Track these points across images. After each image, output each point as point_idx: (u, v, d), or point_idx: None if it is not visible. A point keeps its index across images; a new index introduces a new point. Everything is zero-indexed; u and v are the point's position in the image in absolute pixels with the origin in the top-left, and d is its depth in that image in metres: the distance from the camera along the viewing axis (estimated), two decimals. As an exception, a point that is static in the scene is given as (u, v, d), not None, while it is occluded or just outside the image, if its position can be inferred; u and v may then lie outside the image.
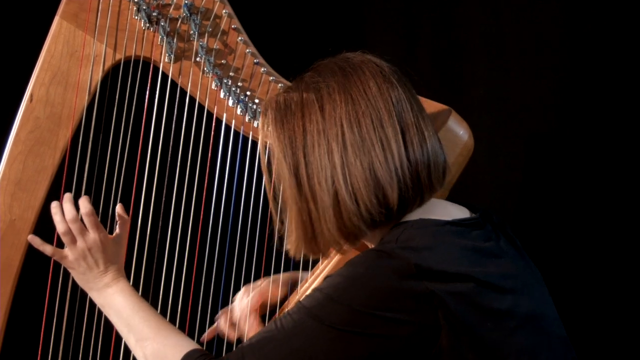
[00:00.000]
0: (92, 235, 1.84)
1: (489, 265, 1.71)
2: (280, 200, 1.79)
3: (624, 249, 2.59)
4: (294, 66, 1.86)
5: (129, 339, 1.80)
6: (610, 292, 2.60)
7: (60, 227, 1.83)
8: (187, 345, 1.74)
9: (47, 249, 1.85)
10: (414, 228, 1.70)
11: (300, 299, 1.67)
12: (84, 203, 1.83)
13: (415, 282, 1.61)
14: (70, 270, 1.86)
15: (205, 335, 2.07)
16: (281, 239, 1.80)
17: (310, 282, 2.03)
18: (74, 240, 1.83)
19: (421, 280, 1.61)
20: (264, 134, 1.78)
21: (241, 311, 2.08)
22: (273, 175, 1.79)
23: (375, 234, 1.76)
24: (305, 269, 2.06)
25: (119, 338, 1.92)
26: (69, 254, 1.84)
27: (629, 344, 2.59)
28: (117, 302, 1.83)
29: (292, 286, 2.07)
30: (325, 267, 2.02)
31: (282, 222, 1.80)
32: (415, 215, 1.74)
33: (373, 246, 1.78)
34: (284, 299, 2.06)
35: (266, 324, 1.88)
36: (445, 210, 1.79)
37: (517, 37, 2.65)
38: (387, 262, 1.63)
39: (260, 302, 2.07)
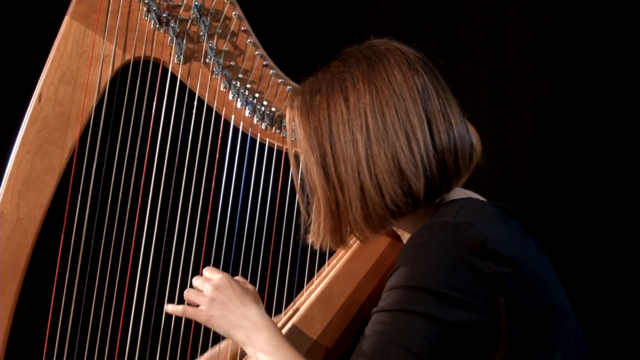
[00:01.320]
0: (217, 276, 1.83)
1: (534, 254, 1.71)
2: (306, 192, 1.80)
3: (626, 248, 2.59)
4: (302, 69, 1.87)
5: None
6: (611, 292, 2.60)
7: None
8: None
9: (178, 309, 1.83)
10: (468, 206, 1.70)
11: (375, 308, 1.65)
12: None
13: (481, 262, 1.60)
14: (211, 323, 1.82)
15: None
16: (300, 232, 1.81)
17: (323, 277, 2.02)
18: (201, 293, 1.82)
19: (486, 260, 1.60)
20: (290, 126, 1.79)
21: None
22: (301, 166, 1.79)
23: (407, 221, 1.75)
24: (312, 273, 2.05)
25: (124, 338, 1.92)
26: (201, 302, 1.82)
27: (630, 344, 2.59)
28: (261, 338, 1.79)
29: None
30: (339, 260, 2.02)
31: (308, 214, 1.81)
32: (458, 195, 1.74)
33: (405, 232, 1.77)
34: None
35: None
36: (477, 197, 1.79)
37: (518, 37, 2.65)
38: (453, 236, 1.62)
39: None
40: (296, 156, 1.81)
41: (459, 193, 1.78)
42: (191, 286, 1.86)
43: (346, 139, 1.70)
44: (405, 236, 1.84)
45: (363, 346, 1.62)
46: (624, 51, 2.58)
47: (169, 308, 1.84)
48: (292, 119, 1.78)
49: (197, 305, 1.82)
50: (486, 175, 2.64)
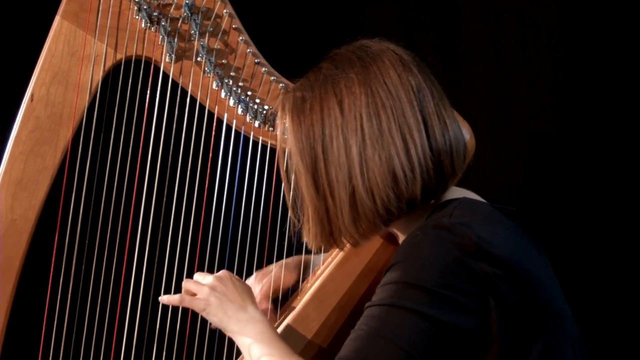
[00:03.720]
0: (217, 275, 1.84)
1: (530, 255, 1.70)
2: (290, 197, 1.80)
3: (626, 248, 2.59)
4: (295, 67, 1.86)
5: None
6: (611, 292, 2.60)
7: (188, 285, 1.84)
8: None
9: (175, 298, 1.83)
10: (463, 206, 1.70)
11: (368, 303, 1.65)
12: None
13: (474, 262, 1.60)
14: (207, 311, 1.81)
15: None
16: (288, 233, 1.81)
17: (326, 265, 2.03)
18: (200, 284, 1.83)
19: (479, 261, 1.60)
20: (281, 129, 1.78)
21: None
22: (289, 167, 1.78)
23: (402, 222, 1.75)
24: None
25: (119, 339, 1.92)
26: (199, 291, 1.82)
27: (629, 344, 2.59)
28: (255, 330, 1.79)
29: (303, 270, 2.06)
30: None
31: (298, 219, 1.80)
32: (453, 194, 1.74)
33: (400, 233, 1.78)
34: (295, 284, 2.05)
35: (278, 310, 1.87)
36: (473, 196, 1.79)
37: (517, 37, 2.65)
38: (448, 236, 1.61)
39: (272, 288, 2.04)
40: (285, 155, 1.81)
41: (455, 193, 1.77)
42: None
43: (339, 143, 1.68)
44: (400, 237, 1.84)
45: (352, 339, 1.63)
46: (623, 51, 2.58)
47: (165, 298, 1.84)
48: (283, 121, 1.77)
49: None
50: (485, 175, 2.65)
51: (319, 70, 1.76)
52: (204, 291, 1.81)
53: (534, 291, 1.65)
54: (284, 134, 1.78)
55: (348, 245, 1.98)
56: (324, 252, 1.98)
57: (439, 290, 1.58)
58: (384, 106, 1.68)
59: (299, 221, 1.81)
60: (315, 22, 2.73)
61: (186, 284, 1.84)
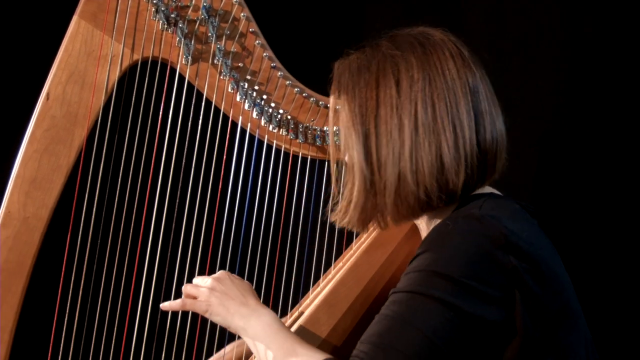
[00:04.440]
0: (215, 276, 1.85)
1: (551, 253, 1.72)
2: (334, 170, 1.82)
3: (628, 248, 2.59)
4: (308, 70, 1.87)
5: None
6: (613, 292, 2.60)
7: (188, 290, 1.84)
8: (321, 354, 1.71)
9: (176, 303, 1.84)
10: (492, 200, 1.71)
11: (394, 289, 1.65)
12: None
13: (502, 255, 1.60)
14: (210, 312, 1.81)
15: None
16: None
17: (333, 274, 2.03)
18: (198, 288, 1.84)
19: (508, 254, 1.61)
20: (334, 97, 1.78)
21: None
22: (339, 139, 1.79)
23: (429, 214, 1.76)
24: (318, 275, 2.06)
25: (129, 337, 1.92)
26: (199, 293, 1.82)
27: (630, 344, 2.59)
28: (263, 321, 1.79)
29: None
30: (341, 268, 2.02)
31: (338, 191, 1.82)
32: (480, 189, 1.75)
33: (425, 224, 1.79)
34: None
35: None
36: (498, 193, 1.80)
37: (519, 38, 2.65)
38: (478, 227, 1.62)
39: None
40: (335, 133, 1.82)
41: (483, 189, 1.78)
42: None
43: (393, 122, 1.68)
44: (423, 229, 1.84)
45: (376, 324, 1.63)
46: (625, 51, 2.58)
47: (166, 305, 1.85)
48: (338, 94, 1.76)
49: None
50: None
51: (378, 47, 1.76)
52: (204, 293, 1.82)
53: (556, 288, 1.66)
54: (336, 106, 1.78)
55: (359, 249, 1.99)
56: (335, 252, 1.98)
57: (466, 280, 1.59)
58: (439, 96, 1.69)
59: (339, 193, 1.81)
60: (319, 26, 2.73)
61: (186, 288, 1.85)
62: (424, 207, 1.72)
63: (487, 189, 1.79)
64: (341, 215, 1.80)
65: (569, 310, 1.69)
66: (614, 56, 2.59)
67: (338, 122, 1.81)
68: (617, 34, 2.58)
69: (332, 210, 1.86)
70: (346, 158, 1.79)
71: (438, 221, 1.74)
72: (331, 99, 1.83)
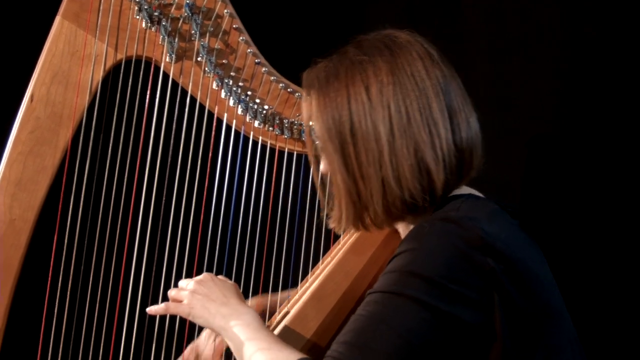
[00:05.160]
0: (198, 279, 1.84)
1: (531, 253, 1.70)
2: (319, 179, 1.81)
3: (624, 249, 2.58)
4: (293, 65, 1.86)
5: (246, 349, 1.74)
6: (611, 293, 2.59)
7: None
8: (297, 354, 1.70)
9: (160, 307, 1.84)
10: (470, 202, 1.70)
11: (370, 290, 1.64)
12: None
13: (480, 256, 1.59)
14: (192, 314, 1.81)
15: None
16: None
17: (317, 274, 2.01)
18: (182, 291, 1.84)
19: (484, 256, 1.59)
20: (307, 112, 1.77)
21: (208, 350, 2.04)
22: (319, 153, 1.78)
23: (409, 216, 1.75)
24: (305, 271, 2.05)
25: (118, 339, 1.91)
26: (182, 297, 1.82)
27: (627, 345, 2.58)
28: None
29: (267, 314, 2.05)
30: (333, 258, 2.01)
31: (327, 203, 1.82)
32: (459, 191, 1.74)
33: (405, 226, 1.79)
34: None
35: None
36: (476, 193, 1.79)
37: (519, 38, 2.64)
38: (456, 229, 1.61)
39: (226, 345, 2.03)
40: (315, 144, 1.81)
41: (460, 189, 1.77)
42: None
43: (368, 130, 1.67)
44: (404, 230, 1.83)
45: (352, 324, 1.62)
46: (624, 51, 2.57)
47: (152, 309, 1.84)
48: (309, 105, 1.75)
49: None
50: (484, 175, 2.64)
51: (345, 54, 1.75)
52: (186, 296, 1.81)
53: (535, 289, 1.64)
54: (310, 114, 1.77)
55: (346, 244, 1.98)
56: (323, 248, 1.97)
57: (443, 281, 1.58)
58: (411, 98, 1.67)
59: (327, 204, 1.81)
60: (315, 22, 2.73)
61: (170, 292, 1.85)
62: (411, 209, 1.71)
63: (466, 190, 1.78)
64: (337, 224, 1.79)
65: (550, 310, 1.68)
66: (614, 56, 2.58)
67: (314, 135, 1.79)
68: (617, 34, 2.57)
69: (327, 218, 1.85)
70: (327, 169, 1.77)
71: (418, 221, 1.73)
72: (304, 111, 1.81)
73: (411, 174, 1.67)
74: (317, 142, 1.79)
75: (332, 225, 1.81)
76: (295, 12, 2.72)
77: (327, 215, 1.85)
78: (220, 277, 1.87)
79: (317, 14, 2.74)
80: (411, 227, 1.78)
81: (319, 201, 1.92)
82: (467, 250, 1.59)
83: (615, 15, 2.56)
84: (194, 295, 1.81)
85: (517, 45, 2.66)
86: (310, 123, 1.78)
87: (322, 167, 1.82)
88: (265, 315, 2.01)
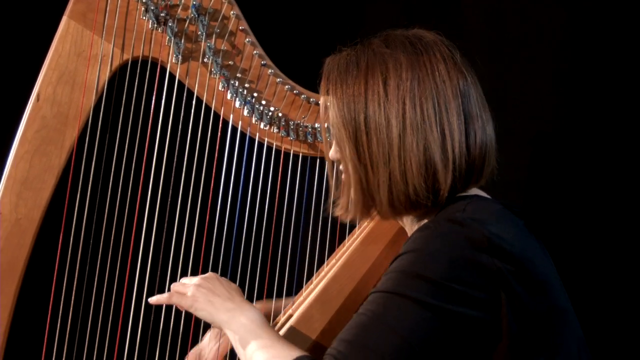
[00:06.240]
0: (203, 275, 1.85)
1: (538, 253, 1.71)
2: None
3: (626, 248, 2.59)
4: (299, 67, 1.86)
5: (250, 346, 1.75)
6: (611, 293, 2.60)
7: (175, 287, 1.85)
8: (298, 352, 1.70)
9: (163, 297, 1.84)
10: (476, 203, 1.70)
11: (373, 289, 1.65)
12: None
13: (486, 258, 1.60)
14: (195, 307, 1.81)
15: None
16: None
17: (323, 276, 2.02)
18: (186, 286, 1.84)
19: (492, 257, 1.60)
20: (323, 101, 1.78)
21: (211, 354, 2.04)
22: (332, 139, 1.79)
23: (415, 214, 1.76)
24: (310, 273, 2.05)
25: (122, 340, 1.92)
26: (186, 289, 1.82)
27: (629, 347, 2.59)
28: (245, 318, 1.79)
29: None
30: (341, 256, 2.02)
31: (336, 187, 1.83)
32: (465, 191, 1.75)
33: (411, 225, 1.79)
34: None
35: None
36: (482, 194, 1.80)
37: (519, 38, 2.65)
38: (460, 231, 1.62)
39: (230, 347, 1.99)
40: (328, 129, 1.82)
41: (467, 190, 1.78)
42: None
43: (381, 121, 1.68)
44: (410, 227, 1.84)
45: (354, 323, 1.63)
46: (624, 51, 2.58)
47: (154, 299, 1.85)
48: (326, 91, 1.76)
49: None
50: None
51: (369, 45, 1.76)
52: (190, 289, 1.82)
53: (542, 289, 1.65)
54: (327, 103, 1.78)
55: (352, 246, 1.99)
56: (328, 249, 1.98)
57: (446, 283, 1.59)
58: (427, 97, 1.69)
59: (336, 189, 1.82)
60: (317, 24, 2.73)
61: (174, 285, 1.85)
62: (414, 205, 1.72)
63: (472, 191, 1.79)
64: (344, 211, 1.81)
65: (557, 310, 1.68)
66: (613, 56, 2.59)
67: (329, 119, 1.80)
68: (617, 34, 2.58)
69: (334, 206, 1.86)
70: (338, 155, 1.78)
71: (423, 222, 1.74)
72: (321, 96, 1.83)
73: (417, 170, 1.68)
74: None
75: (338, 212, 1.82)
76: (296, 12, 2.72)
77: (333, 202, 1.86)
78: (224, 278, 1.88)
79: (317, 14, 2.74)
80: (416, 225, 1.79)
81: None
82: (473, 252, 1.60)
83: (615, 15, 2.57)
84: (198, 289, 1.81)
85: (517, 45, 2.66)
86: (328, 104, 1.79)
87: (331, 152, 1.83)
88: (269, 318, 2.01)
